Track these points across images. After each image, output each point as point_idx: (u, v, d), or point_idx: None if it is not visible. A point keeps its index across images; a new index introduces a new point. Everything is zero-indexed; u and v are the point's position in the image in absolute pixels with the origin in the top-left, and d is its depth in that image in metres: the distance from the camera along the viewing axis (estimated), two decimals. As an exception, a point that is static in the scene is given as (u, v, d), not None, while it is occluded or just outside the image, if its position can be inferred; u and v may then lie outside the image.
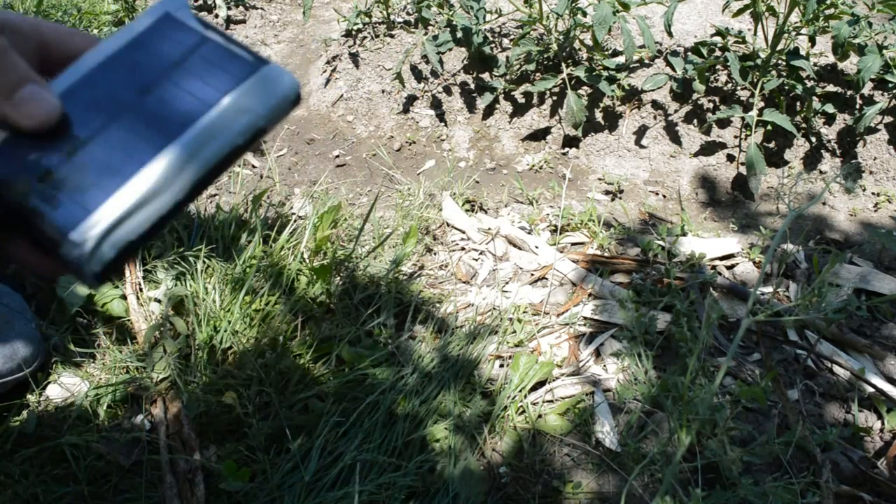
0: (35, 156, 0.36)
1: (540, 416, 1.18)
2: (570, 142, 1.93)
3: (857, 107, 1.77)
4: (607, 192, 1.80)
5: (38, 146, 0.36)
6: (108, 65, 0.39)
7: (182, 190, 0.37)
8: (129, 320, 1.33)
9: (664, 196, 1.80)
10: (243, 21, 2.35)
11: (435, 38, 1.97)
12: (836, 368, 1.29)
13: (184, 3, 0.42)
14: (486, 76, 2.02)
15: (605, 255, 1.52)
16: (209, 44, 0.40)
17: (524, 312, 1.37)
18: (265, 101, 0.39)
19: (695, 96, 1.87)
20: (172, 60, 0.39)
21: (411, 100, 2.06)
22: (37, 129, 0.36)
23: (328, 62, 2.16)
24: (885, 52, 1.63)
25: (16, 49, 0.37)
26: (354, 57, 2.11)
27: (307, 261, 1.38)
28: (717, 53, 1.83)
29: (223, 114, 0.38)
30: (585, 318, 1.37)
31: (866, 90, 1.77)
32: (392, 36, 2.16)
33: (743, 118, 1.78)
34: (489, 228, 1.60)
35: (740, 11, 1.76)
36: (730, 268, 1.51)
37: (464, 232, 1.60)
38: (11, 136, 0.36)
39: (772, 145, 1.82)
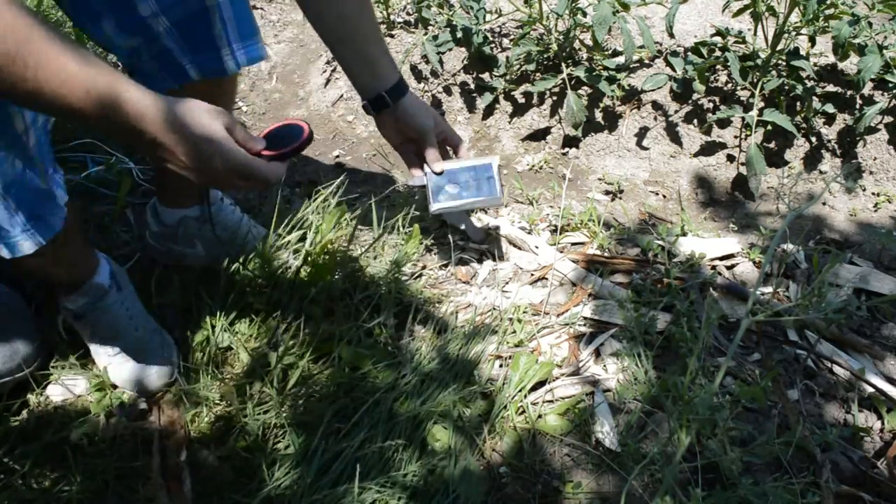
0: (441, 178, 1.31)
1: (540, 416, 1.18)
2: (570, 142, 1.93)
3: (857, 107, 1.77)
4: (607, 192, 1.80)
5: (442, 176, 1.31)
6: (467, 166, 1.30)
7: (462, 210, 1.34)
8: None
9: (664, 196, 1.80)
10: (243, 21, 2.35)
11: (435, 38, 1.97)
12: (836, 368, 1.29)
13: (496, 162, 1.30)
14: (486, 76, 2.02)
15: (605, 255, 1.52)
16: (492, 179, 1.30)
17: (524, 312, 1.37)
18: (491, 202, 1.31)
19: (695, 96, 1.87)
20: (479, 176, 1.30)
21: (411, 100, 2.06)
22: (439, 173, 1.31)
23: (328, 62, 2.16)
24: (885, 52, 1.63)
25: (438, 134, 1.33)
26: (354, 57, 2.11)
27: (307, 261, 1.38)
28: (717, 53, 1.84)
29: (482, 199, 1.30)
30: (585, 318, 1.37)
31: (866, 90, 1.77)
32: (392, 36, 2.16)
33: (743, 118, 1.78)
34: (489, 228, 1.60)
35: (740, 11, 1.76)
36: (730, 268, 1.51)
37: (464, 232, 1.60)
38: (434, 174, 1.30)
39: (772, 145, 1.82)
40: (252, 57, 1.14)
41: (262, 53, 1.16)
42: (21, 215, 0.95)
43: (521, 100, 1.99)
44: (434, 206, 1.25)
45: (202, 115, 0.87)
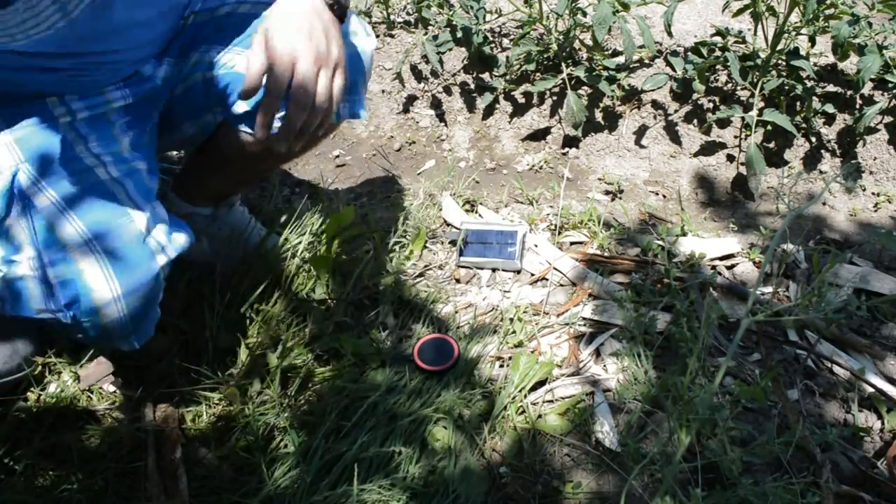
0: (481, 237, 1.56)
1: (540, 416, 1.18)
2: (570, 142, 1.93)
3: (857, 107, 1.77)
4: (607, 192, 1.80)
5: (472, 234, 1.56)
6: (496, 230, 1.54)
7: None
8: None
9: (664, 196, 1.80)
10: (243, 21, 2.34)
11: (435, 38, 1.97)
12: (836, 368, 1.29)
13: (525, 231, 1.53)
14: (486, 76, 2.02)
15: (605, 255, 1.52)
16: (514, 246, 1.50)
17: (524, 312, 1.37)
18: (509, 266, 1.50)
19: (695, 96, 1.87)
20: (503, 240, 1.52)
21: (411, 100, 2.06)
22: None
23: (328, 62, 2.16)
24: (885, 52, 1.63)
25: None
26: (354, 57, 2.11)
27: (309, 261, 1.38)
28: (717, 53, 1.83)
29: (501, 261, 1.50)
30: (585, 318, 1.37)
31: (866, 90, 1.77)
32: (392, 36, 2.16)
33: (743, 118, 1.78)
34: (489, 228, 1.60)
35: (740, 11, 1.76)
36: (730, 268, 1.51)
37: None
38: (466, 231, 1.56)
39: (772, 145, 1.82)
40: (353, 112, 1.16)
41: (361, 111, 1.16)
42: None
43: (521, 100, 1.99)
44: (462, 260, 1.50)
45: None
